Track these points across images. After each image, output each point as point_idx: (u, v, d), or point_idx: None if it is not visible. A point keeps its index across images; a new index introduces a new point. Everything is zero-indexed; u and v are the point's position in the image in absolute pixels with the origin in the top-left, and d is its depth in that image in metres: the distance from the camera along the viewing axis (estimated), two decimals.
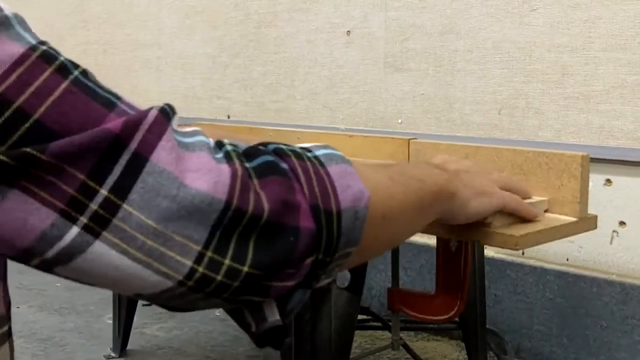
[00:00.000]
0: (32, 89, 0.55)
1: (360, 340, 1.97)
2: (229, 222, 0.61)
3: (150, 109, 0.60)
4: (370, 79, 2.06)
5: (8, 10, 0.59)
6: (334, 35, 2.13)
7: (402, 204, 0.82)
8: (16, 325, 2.04)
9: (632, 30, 1.63)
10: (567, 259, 1.82)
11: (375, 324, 1.79)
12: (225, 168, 0.61)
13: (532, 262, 1.86)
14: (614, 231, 1.75)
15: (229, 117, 2.45)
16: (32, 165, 0.55)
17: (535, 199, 1.33)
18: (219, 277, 0.62)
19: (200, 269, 0.61)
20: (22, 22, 0.59)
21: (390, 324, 1.59)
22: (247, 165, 0.64)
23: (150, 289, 0.61)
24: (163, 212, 0.59)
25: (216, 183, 0.60)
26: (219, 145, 0.65)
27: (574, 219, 1.26)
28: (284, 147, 0.68)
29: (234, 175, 0.61)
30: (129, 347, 1.91)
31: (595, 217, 1.29)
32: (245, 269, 0.62)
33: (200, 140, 0.62)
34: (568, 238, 1.53)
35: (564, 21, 1.71)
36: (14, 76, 0.55)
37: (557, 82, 1.72)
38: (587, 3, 1.68)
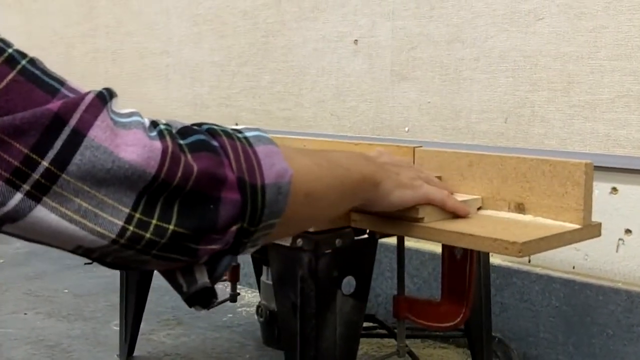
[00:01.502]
0: None
1: (366, 347, 1.97)
2: (154, 190, 0.69)
3: (88, 92, 0.67)
4: (377, 88, 2.07)
5: None
6: (341, 44, 2.14)
7: (325, 187, 0.92)
8: (23, 331, 2.06)
9: (637, 40, 1.64)
10: (573, 267, 1.82)
11: (381, 331, 1.79)
12: (157, 144, 0.68)
13: (538, 270, 1.86)
14: (620, 239, 1.75)
15: (237, 124, 2.46)
16: None
17: (467, 196, 1.35)
18: (148, 235, 0.69)
19: (131, 228, 0.68)
20: None
21: (396, 331, 1.59)
22: (181, 142, 0.71)
23: (87, 246, 0.68)
24: (97, 180, 0.66)
25: (148, 158, 0.67)
26: (154, 124, 0.72)
27: (577, 226, 1.27)
28: (216, 127, 0.77)
29: (164, 151, 0.68)
30: (135, 353, 1.91)
31: (599, 224, 1.30)
32: (171, 227, 0.70)
33: (135, 120, 0.69)
34: (574, 246, 1.54)
35: (570, 30, 1.71)
36: None
37: (562, 90, 1.73)
38: (593, 12, 1.68)
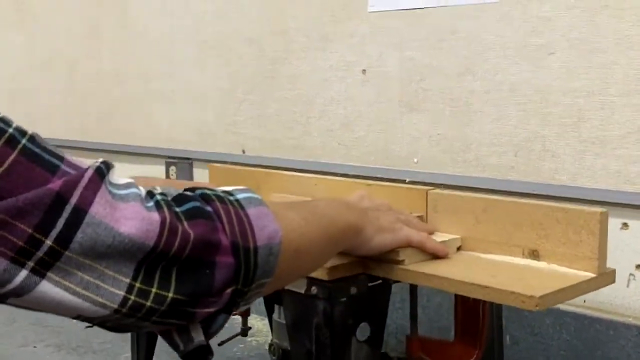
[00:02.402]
0: None
1: None
2: (153, 259, 0.71)
3: (87, 169, 0.69)
4: (385, 118, 2.07)
5: None
6: (349, 74, 2.14)
7: (313, 240, 0.96)
8: None
9: None
10: (584, 301, 1.82)
11: None
12: (155, 216, 0.71)
13: None
14: (630, 274, 1.75)
15: (244, 151, 2.46)
16: None
17: (446, 236, 1.36)
18: (148, 303, 0.71)
19: (132, 297, 0.70)
20: None
21: None
22: (177, 209, 0.74)
23: (89, 316, 0.70)
24: (99, 254, 0.68)
25: (147, 231, 0.70)
26: (150, 194, 0.75)
27: (592, 275, 1.27)
28: (209, 192, 0.80)
29: (162, 223, 0.71)
30: None
31: (614, 271, 1.30)
32: (170, 294, 0.73)
33: (133, 192, 0.72)
34: None
35: (581, 66, 1.71)
36: None
37: (573, 125, 1.72)
38: (604, 48, 1.68)
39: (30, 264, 0.66)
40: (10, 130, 0.68)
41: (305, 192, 1.69)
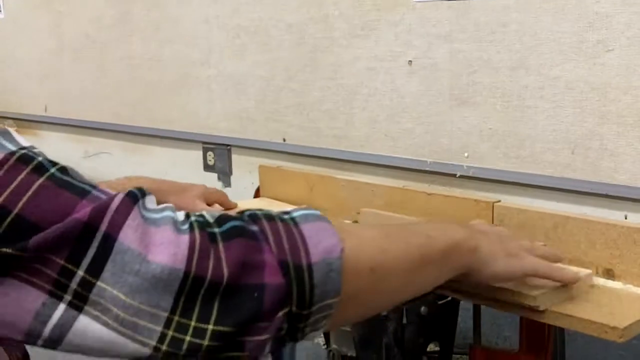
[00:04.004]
0: (11, 187, 0.65)
1: None
2: (190, 288, 0.69)
3: (117, 194, 0.69)
4: (434, 111, 2.04)
5: None
6: (395, 64, 2.10)
7: (397, 258, 0.87)
8: None
9: None
10: None
11: None
12: (184, 239, 0.70)
13: None
14: None
15: (284, 140, 2.44)
16: (18, 260, 0.64)
17: (577, 270, 1.31)
18: (188, 337, 0.69)
19: (170, 332, 0.69)
20: (5, 134, 0.69)
21: None
22: (215, 230, 0.73)
23: (131, 355, 0.70)
24: (130, 286, 0.67)
25: (175, 254, 0.68)
26: (187, 216, 0.74)
27: None
28: (258, 212, 0.77)
29: (192, 245, 0.70)
30: None
31: None
32: (211, 327, 0.70)
33: (166, 216, 0.71)
34: None
35: None
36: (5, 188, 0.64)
37: (633, 124, 1.69)
38: None
39: (67, 297, 0.66)
40: (39, 159, 0.69)
41: (361, 199, 1.67)
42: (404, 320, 1.33)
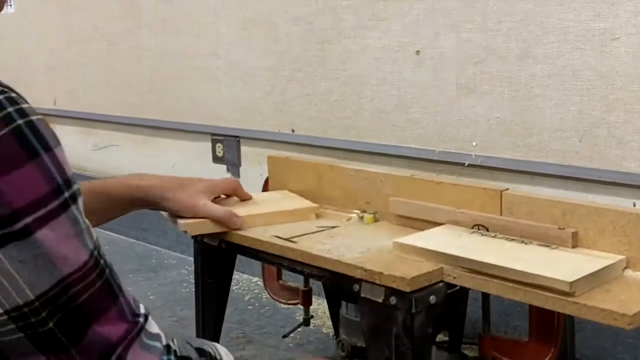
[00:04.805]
0: (85, 286, 0.75)
1: None
2: None
3: (137, 321, 0.80)
4: (442, 100, 2.04)
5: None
6: (402, 55, 2.11)
7: None
8: None
9: None
10: None
11: None
12: None
13: None
14: None
15: (293, 131, 2.45)
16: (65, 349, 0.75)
17: (613, 257, 1.31)
18: None
19: None
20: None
21: None
22: None
23: None
24: None
25: None
26: (168, 348, 0.83)
27: None
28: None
29: None
30: None
31: None
32: None
33: (156, 346, 0.81)
34: None
35: None
36: (80, 284, 0.74)
37: None
38: None
39: None
40: (102, 262, 0.78)
41: (370, 189, 1.67)
42: (413, 310, 1.33)
